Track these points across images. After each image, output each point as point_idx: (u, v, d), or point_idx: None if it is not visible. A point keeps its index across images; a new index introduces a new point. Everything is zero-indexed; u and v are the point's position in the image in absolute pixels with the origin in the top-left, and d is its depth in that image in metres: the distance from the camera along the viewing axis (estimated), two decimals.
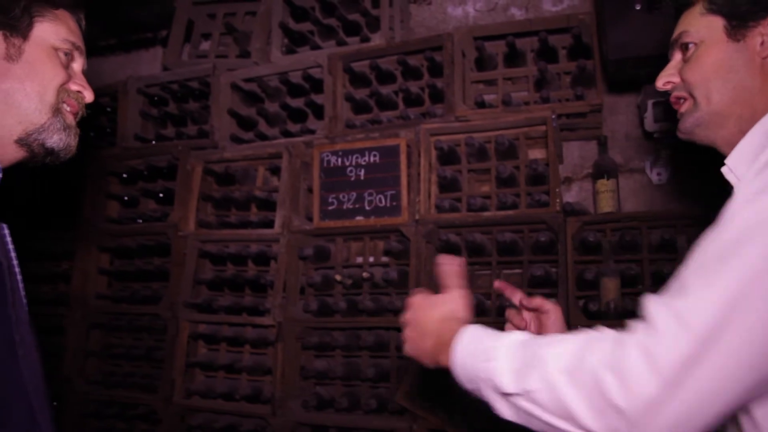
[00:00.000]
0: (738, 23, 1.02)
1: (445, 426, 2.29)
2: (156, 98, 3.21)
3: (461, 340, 0.99)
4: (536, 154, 2.60)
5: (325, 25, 2.90)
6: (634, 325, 0.80)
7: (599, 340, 0.82)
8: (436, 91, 2.66)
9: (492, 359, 0.91)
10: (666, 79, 1.13)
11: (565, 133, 2.61)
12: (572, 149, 2.69)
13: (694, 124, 1.07)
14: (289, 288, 2.69)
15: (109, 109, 3.31)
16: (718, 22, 1.04)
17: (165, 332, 2.88)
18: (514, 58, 2.63)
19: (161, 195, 3.09)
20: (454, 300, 1.11)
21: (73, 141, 1.14)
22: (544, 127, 2.46)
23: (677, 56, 1.12)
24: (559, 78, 2.58)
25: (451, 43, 2.63)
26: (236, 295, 2.87)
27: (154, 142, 3.19)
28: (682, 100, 1.10)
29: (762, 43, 1.01)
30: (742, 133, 1.02)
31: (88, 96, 1.19)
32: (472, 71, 2.70)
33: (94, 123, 3.29)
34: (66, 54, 1.14)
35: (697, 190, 2.43)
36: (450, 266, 1.15)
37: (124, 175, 3.16)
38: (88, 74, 1.22)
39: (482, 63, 2.68)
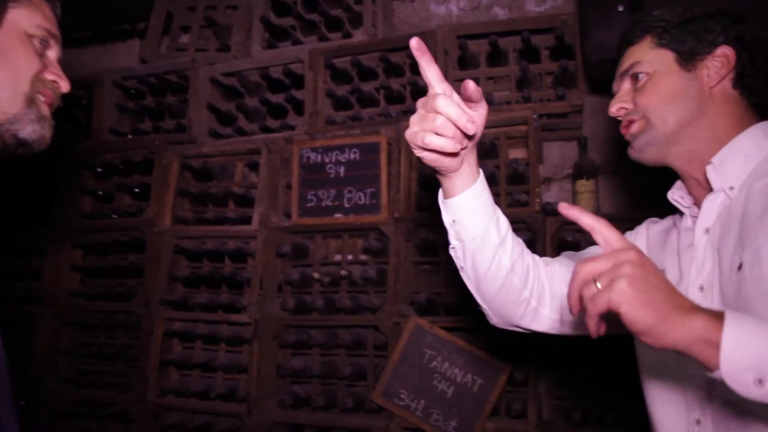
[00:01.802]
0: (687, 57, 1.13)
1: (421, 424, 2.28)
2: (133, 91, 3.15)
3: (732, 313, 0.80)
4: (517, 153, 2.59)
5: (306, 21, 2.87)
6: None
7: None
8: (418, 88, 2.64)
9: None
10: (620, 105, 1.21)
11: (546, 133, 2.61)
12: (553, 149, 2.70)
13: (647, 143, 1.15)
14: (266, 285, 2.66)
15: (84, 102, 3.24)
16: (669, 55, 1.15)
17: (139, 330, 2.83)
18: (496, 57, 2.62)
19: (137, 190, 3.04)
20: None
21: (47, 132, 1.10)
22: (525, 127, 2.46)
23: (626, 85, 1.21)
24: (540, 78, 2.58)
25: (434, 41, 2.62)
26: (212, 292, 2.83)
27: (130, 136, 3.13)
28: (632, 124, 1.17)
29: (708, 75, 1.12)
30: (701, 150, 1.11)
31: (64, 86, 1.15)
32: (454, 69, 2.69)
33: (69, 116, 3.22)
34: (41, 41, 1.10)
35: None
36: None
37: (99, 170, 3.09)
38: (64, 66, 1.19)
39: (465, 61, 2.67)
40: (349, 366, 2.46)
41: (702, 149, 1.11)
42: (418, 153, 1.07)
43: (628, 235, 1.38)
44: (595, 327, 0.83)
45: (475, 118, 1.04)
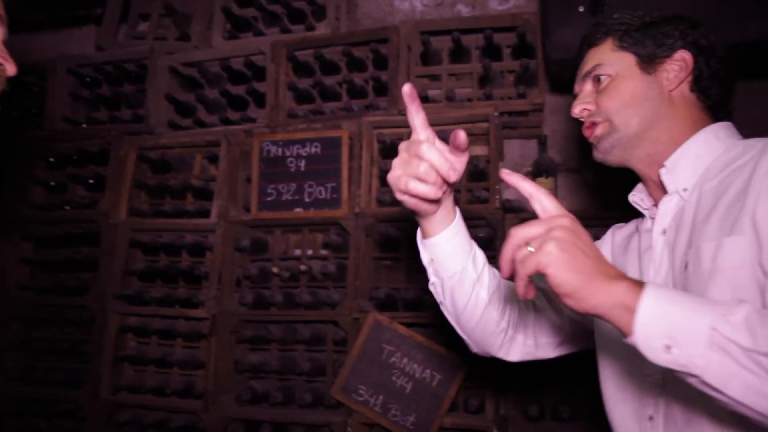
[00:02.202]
0: (648, 60, 1.16)
1: (380, 420, 2.28)
2: (88, 79, 3.06)
3: (653, 284, 0.82)
4: (477, 150, 2.61)
5: (269, 12, 2.83)
6: None
7: None
8: (381, 83, 2.63)
9: (732, 313, 0.76)
10: (583, 107, 1.22)
11: (507, 130, 2.63)
12: (513, 147, 2.72)
13: (612, 145, 1.17)
14: (225, 280, 2.62)
15: (35, 89, 3.13)
16: (630, 58, 1.17)
17: (93, 325, 2.75)
18: (459, 54, 2.63)
19: (91, 181, 2.95)
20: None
21: None
22: (486, 124, 2.47)
23: (588, 86, 1.22)
24: (502, 76, 2.60)
25: (397, 36, 2.62)
26: (169, 286, 2.77)
27: (85, 126, 3.04)
28: (595, 126, 1.19)
29: (667, 78, 1.15)
30: (660, 153, 1.14)
31: (10, 69, 1.10)
32: (417, 65, 2.69)
33: (18, 102, 3.11)
34: None
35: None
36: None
37: (52, 160, 2.99)
38: (13, 50, 1.13)
39: (427, 58, 2.67)
40: (308, 361, 2.44)
41: (661, 152, 1.14)
42: (400, 197, 1.09)
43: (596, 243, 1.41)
44: (523, 290, 0.86)
45: (456, 165, 1.06)
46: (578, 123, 2.42)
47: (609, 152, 1.17)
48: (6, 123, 3.01)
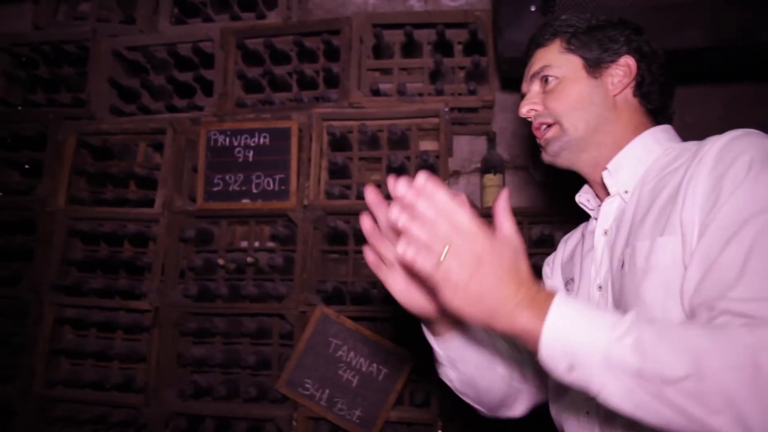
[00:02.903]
0: (594, 64, 1.17)
1: (326, 414, 2.27)
2: (24, 59, 2.92)
3: (560, 304, 0.80)
4: (427, 145, 2.62)
5: None
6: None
7: (728, 328, 0.77)
8: (332, 75, 2.61)
9: (626, 334, 0.76)
10: (530, 107, 1.22)
11: (456, 127, 2.65)
12: (462, 143, 2.75)
13: (561, 148, 1.17)
14: (168, 271, 2.55)
15: None
16: (577, 61, 1.18)
17: (26, 316, 2.64)
18: (411, 48, 2.63)
19: (27, 166, 2.83)
20: (523, 252, 0.83)
21: None
22: (436, 119, 2.49)
23: (536, 87, 1.23)
24: (453, 72, 2.62)
25: (350, 28, 2.60)
26: (110, 277, 2.69)
27: (20, 108, 2.90)
28: (544, 127, 1.20)
29: (612, 83, 1.17)
30: (603, 156, 1.16)
31: None
32: (368, 58, 2.68)
33: None
34: None
35: (575, 191, 2.57)
36: (505, 199, 0.85)
37: None
38: None
39: (379, 51, 2.66)
40: (253, 355, 2.41)
41: (605, 155, 1.15)
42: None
43: (549, 260, 1.42)
44: (376, 263, 0.86)
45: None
46: (527, 122, 2.47)
47: (557, 155, 1.19)
48: None
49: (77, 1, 3.03)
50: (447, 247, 0.77)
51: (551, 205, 2.56)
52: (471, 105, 2.52)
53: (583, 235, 1.29)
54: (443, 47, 2.58)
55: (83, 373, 2.61)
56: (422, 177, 0.79)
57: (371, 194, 0.91)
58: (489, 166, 2.52)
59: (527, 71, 1.26)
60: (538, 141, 1.23)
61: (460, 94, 2.54)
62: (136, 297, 2.56)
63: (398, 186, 0.79)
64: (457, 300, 0.79)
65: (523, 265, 0.82)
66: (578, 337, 0.77)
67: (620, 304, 1.04)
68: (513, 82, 2.61)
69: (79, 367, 2.67)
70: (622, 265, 1.04)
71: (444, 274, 0.77)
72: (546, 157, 1.22)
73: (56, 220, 2.68)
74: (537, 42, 1.25)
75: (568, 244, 1.37)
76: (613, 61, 1.16)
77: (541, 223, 2.37)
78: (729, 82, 2.44)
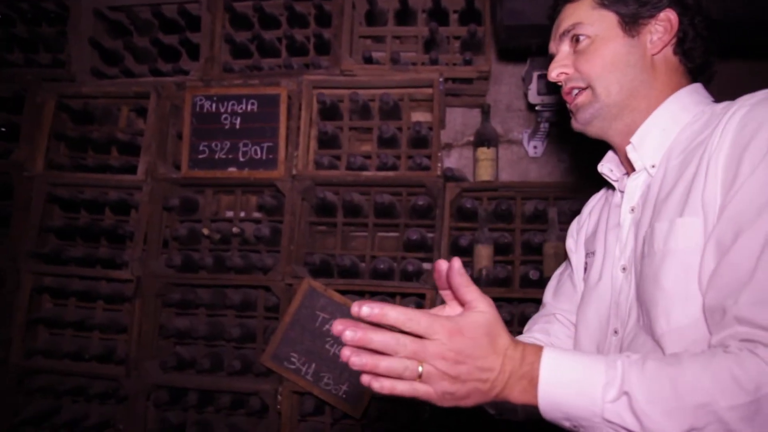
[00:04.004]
0: (630, 20, 1.06)
1: (312, 388, 2.24)
2: (0, 16, 2.79)
3: (548, 371, 0.79)
4: (419, 117, 2.56)
5: None
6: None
7: (731, 362, 0.75)
8: (323, 41, 2.52)
9: (619, 395, 0.76)
10: (560, 70, 1.12)
11: (450, 98, 2.58)
12: (455, 115, 2.68)
13: (593, 116, 1.08)
14: (151, 240, 2.49)
15: None
16: (611, 17, 1.07)
17: (2, 285, 2.56)
18: (405, 16, 2.55)
19: (3, 129, 2.72)
20: (495, 321, 0.79)
21: None
22: (430, 90, 2.42)
23: (566, 47, 1.12)
24: (448, 42, 2.54)
25: None
26: (90, 245, 2.61)
27: None
28: (576, 92, 1.10)
29: (651, 41, 1.06)
30: (638, 123, 1.06)
31: None
32: (361, 25, 2.59)
33: None
34: None
35: (570, 166, 2.52)
36: (458, 272, 0.79)
37: None
38: None
39: (372, 18, 2.58)
40: (237, 327, 2.36)
41: (638, 121, 1.07)
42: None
43: (572, 230, 1.34)
44: (368, 380, 0.76)
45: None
46: (522, 95, 2.39)
47: (589, 123, 1.10)
48: None
49: None
50: (420, 367, 0.74)
51: (545, 179, 2.52)
52: (466, 75, 2.45)
53: (608, 205, 1.20)
54: (438, 15, 2.50)
55: (62, 343, 2.55)
56: (365, 307, 0.73)
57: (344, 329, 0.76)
58: (482, 139, 2.46)
59: (555, 29, 1.15)
60: (568, 106, 1.14)
61: (455, 64, 2.47)
62: (118, 266, 2.49)
63: (346, 333, 0.73)
64: (448, 403, 0.78)
65: (502, 336, 0.79)
66: (573, 403, 0.78)
67: (640, 290, 0.98)
68: (511, 53, 2.54)
69: (58, 337, 2.61)
70: (644, 246, 0.99)
71: (425, 391, 0.76)
72: (576, 125, 1.13)
73: (34, 185, 2.60)
74: None
75: (592, 215, 1.28)
76: (652, 17, 1.05)
77: (534, 198, 2.33)
78: (731, 57, 2.39)
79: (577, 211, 2.26)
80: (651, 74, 1.06)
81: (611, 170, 1.17)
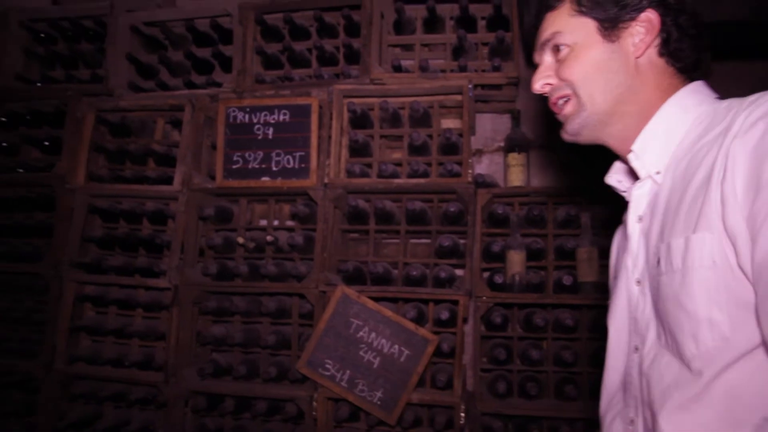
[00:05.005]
0: (610, 25, 1.04)
1: (346, 395, 2.26)
2: (43, 35, 2.90)
3: None
4: (449, 123, 2.57)
5: None
6: None
7: None
8: (352, 51, 2.56)
9: None
10: (543, 81, 1.11)
11: (479, 104, 2.59)
12: (484, 121, 2.69)
13: (581, 126, 1.07)
14: (187, 249, 2.54)
15: None
16: (590, 24, 1.05)
17: (47, 293, 2.65)
18: (433, 23, 2.57)
19: (47, 143, 2.82)
20: None
21: None
22: (459, 97, 2.43)
23: (548, 57, 1.11)
24: (476, 48, 2.55)
25: (371, 3, 2.53)
26: (129, 255, 2.68)
27: (39, 84, 2.88)
28: (562, 101, 1.08)
29: (633, 44, 1.03)
30: (631, 128, 1.04)
31: None
32: (389, 34, 2.62)
33: None
34: None
35: (602, 170, 2.50)
36: None
37: (3, 119, 2.84)
38: None
39: (401, 26, 2.60)
40: (272, 334, 2.40)
41: (632, 126, 1.05)
42: None
43: (613, 247, 1.28)
44: None
45: None
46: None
47: (578, 133, 1.08)
48: None
49: None
50: None
51: (577, 184, 2.50)
52: (495, 82, 2.46)
53: (623, 222, 1.17)
54: (466, 22, 2.51)
55: (104, 350, 2.62)
56: None
57: None
58: (513, 144, 2.46)
59: (537, 39, 1.13)
60: (557, 117, 1.12)
61: (483, 71, 2.47)
62: (155, 275, 2.55)
63: None
64: None
65: None
66: None
67: (659, 306, 0.96)
68: None
69: (100, 344, 2.68)
70: (658, 262, 0.96)
71: None
72: (566, 136, 1.10)
73: (76, 197, 2.67)
74: (546, 4, 1.11)
75: (619, 231, 1.25)
76: (632, 19, 1.02)
77: (566, 203, 2.32)
78: (763, 58, 2.35)
79: (609, 217, 2.26)
80: (637, 78, 1.04)
81: (620, 181, 1.15)
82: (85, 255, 2.66)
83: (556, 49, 1.08)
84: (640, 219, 1.05)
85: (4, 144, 2.85)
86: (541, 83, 1.11)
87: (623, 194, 1.15)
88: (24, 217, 2.79)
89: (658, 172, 1.02)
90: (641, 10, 1.02)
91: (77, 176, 2.70)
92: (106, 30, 2.79)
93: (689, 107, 1.01)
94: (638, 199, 1.06)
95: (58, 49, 2.87)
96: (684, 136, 1.00)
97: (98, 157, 2.80)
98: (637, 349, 1.02)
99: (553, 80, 1.09)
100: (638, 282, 1.03)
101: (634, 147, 1.03)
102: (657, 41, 1.03)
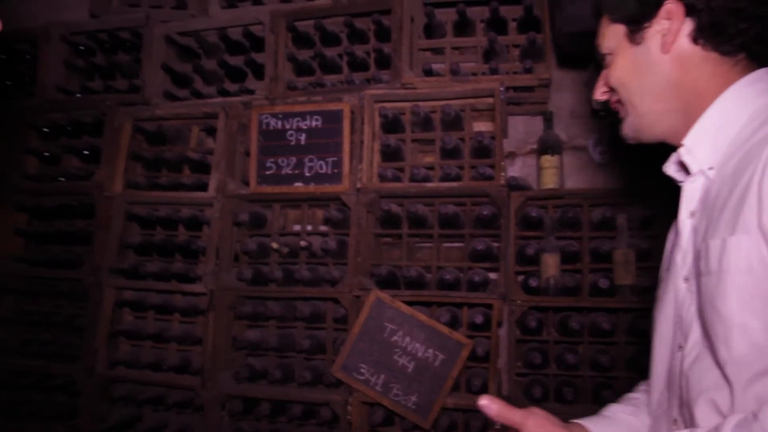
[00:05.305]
0: (635, 27, 1.03)
1: (381, 399, 2.26)
2: (82, 48, 2.98)
3: None
4: (481, 126, 2.55)
5: None
6: None
7: None
8: (383, 56, 2.56)
9: None
10: (600, 90, 1.14)
11: (511, 107, 2.57)
12: (517, 124, 2.67)
13: (631, 129, 1.08)
14: (222, 255, 2.57)
15: (28, 57, 3.04)
16: (620, 30, 1.06)
17: (87, 299, 2.71)
18: (463, 27, 2.56)
19: (86, 152, 2.89)
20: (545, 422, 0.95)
21: None
22: (491, 99, 2.42)
23: (606, 64, 1.12)
24: (508, 50, 2.53)
25: (400, 8, 2.54)
26: (166, 260, 2.73)
27: (78, 96, 2.96)
28: (617, 105, 1.11)
29: (662, 40, 1.01)
30: (681, 123, 1.02)
31: None
32: (420, 38, 2.62)
33: (12, 71, 3.02)
34: None
35: (637, 171, 2.45)
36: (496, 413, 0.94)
37: (45, 129, 2.92)
38: (4, 16, 1.06)
39: (431, 30, 2.60)
40: (307, 339, 2.42)
41: (681, 122, 1.02)
42: None
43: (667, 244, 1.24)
44: None
45: None
46: (585, 100, 2.36)
47: (631, 137, 1.09)
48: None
49: None
50: None
51: (613, 185, 2.47)
52: (527, 84, 2.44)
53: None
54: (497, 24, 2.50)
55: (142, 354, 2.67)
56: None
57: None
58: (546, 146, 2.43)
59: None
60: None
61: (515, 73, 2.46)
62: (191, 280, 2.59)
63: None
64: None
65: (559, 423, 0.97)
66: None
67: (701, 306, 0.93)
68: (570, 59, 2.52)
69: (138, 348, 2.73)
70: (701, 261, 0.93)
71: None
72: (626, 140, 1.12)
73: (114, 204, 2.74)
74: (597, 9, 1.13)
75: (674, 225, 1.20)
76: (654, 16, 1.00)
77: (601, 205, 2.28)
78: None
79: (647, 217, 2.22)
80: (675, 73, 1.00)
81: (678, 171, 1.10)
82: (123, 261, 2.72)
83: (603, 57, 1.11)
84: (692, 214, 1.02)
85: (46, 154, 2.94)
86: (599, 92, 1.14)
87: (681, 185, 1.09)
88: (65, 225, 2.87)
89: (710, 168, 0.98)
90: (659, 5, 1.00)
91: (115, 184, 2.76)
92: (141, 41, 2.84)
93: (746, 99, 0.96)
94: (690, 194, 1.03)
95: (96, 61, 2.95)
96: (739, 131, 0.95)
97: (135, 165, 2.86)
98: (680, 347, 1.00)
99: (604, 87, 1.12)
100: (686, 279, 1.01)
101: (685, 142, 1.01)
102: (688, 29, 0.98)
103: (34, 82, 3.00)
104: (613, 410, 1.20)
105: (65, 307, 2.83)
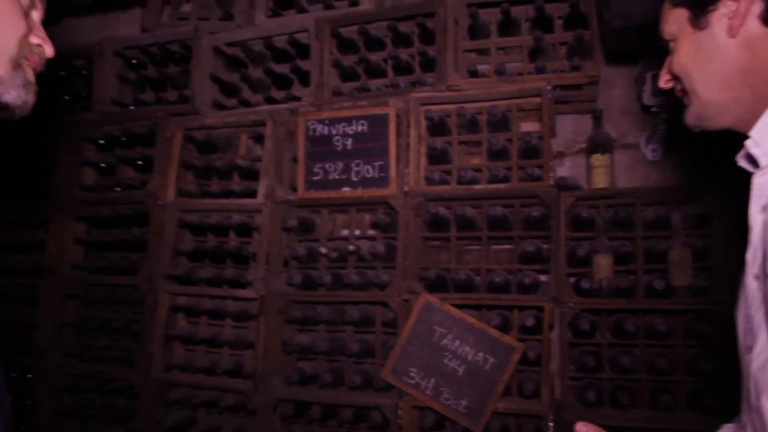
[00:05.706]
0: (699, 11, 0.98)
1: (431, 403, 2.25)
2: (134, 61, 3.07)
3: None
4: (528, 126, 2.52)
5: None
6: None
7: None
8: (427, 59, 2.56)
9: None
10: (664, 77, 1.10)
11: (558, 106, 2.53)
12: (565, 123, 2.62)
13: (696, 118, 1.04)
14: (272, 260, 2.61)
15: (84, 72, 3.15)
16: (683, 14, 1.01)
17: (143, 304, 2.79)
18: (508, 26, 2.53)
19: (140, 162, 2.98)
20: None
21: (30, 98, 1.03)
22: (538, 99, 2.38)
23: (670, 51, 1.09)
24: (554, 48, 2.49)
25: (444, 10, 2.53)
26: (217, 266, 2.78)
27: (132, 108, 3.06)
28: (681, 93, 1.07)
29: (728, 24, 0.95)
30: (750, 112, 0.97)
31: (49, 50, 1.07)
32: (464, 39, 2.60)
33: (69, 87, 3.14)
34: (29, 1, 1.02)
35: (692, 167, 2.38)
36: None
37: (101, 141, 3.04)
38: (63, 35, 1.11)
39: (475, 31, 2.58)
40: (356, 343, 2.42)
41: (750, 110, 0.97)
42: None
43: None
44: None
45: None
46: (636, 96, 2.31)
47: (697, 126, 1.06)
48: (58, 106, 3.05)
49: (180, 2, 3.14)
50: None
51: (666, 183, 2.40)
52: (575, 82, 2.39)
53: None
54: (542, 23, 2.46)
55: (196, 358, 2.72)
56: None
57: None
58: (596, 145, 2.39)
59: None
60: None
61: (562, 71, 2.41)
62: (243, 286, 2.63)
63: None
64: None
65: None
66: None
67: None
68: (620, 55, 2.46)
69: (192, 352, 2.79)
70: (765, 264, 0.88)
71: None
72: (692, 129, 1.08)
73: (167, 212, 2.81)
74: None
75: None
76: (719, 0, 0.95)
77: (655, 204, 2.22)
78: None
79: (703, 215, 2.15)
80: (743, 59, 0.95)
81: (748, 163, 1.04)
82: (176, 267, 2.79)
83: (667, 42, 1.07)
84: (764, 209, 0.96)
85: (103, 165, 3.05)
86: (663, 79, 1.10)
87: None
88: (121, 233, 2.96)
89: None
90: None
91: (168, 193, 2.84)
92: (190, 53, 2.92)
93: None
94: (761, 188, 0.97)
95: (148, 74, 3.04)
96: None
97: (186, 173, 2.93)
98: (749, 349, 0.95)
99: (667, 75, 1.08)
100: (756, 277, 0.95)
101: (753, 133, 0.96)
102: (757, 11, 0.93)
103: (90, 96, 3.11)
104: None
105: (123, 313, 2.92)
